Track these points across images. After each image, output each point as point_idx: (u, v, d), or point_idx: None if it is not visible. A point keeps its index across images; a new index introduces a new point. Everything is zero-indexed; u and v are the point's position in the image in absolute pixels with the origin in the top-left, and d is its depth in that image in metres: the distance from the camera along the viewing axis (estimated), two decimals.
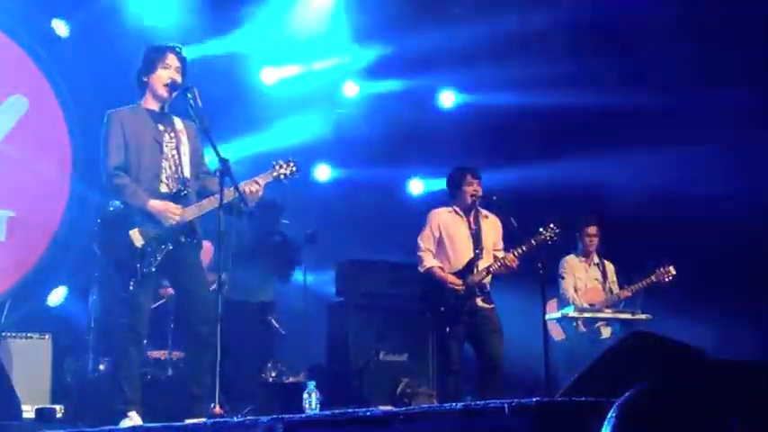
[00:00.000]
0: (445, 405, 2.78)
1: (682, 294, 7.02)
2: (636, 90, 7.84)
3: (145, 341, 5.09)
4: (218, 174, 4.60)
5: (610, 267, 7.40)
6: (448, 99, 9.25)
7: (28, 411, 5.65)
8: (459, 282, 5.91)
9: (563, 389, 2.92)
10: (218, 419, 4.11)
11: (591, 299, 7.19)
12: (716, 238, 7.23)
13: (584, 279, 7.33)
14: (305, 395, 5.07)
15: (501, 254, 6.04)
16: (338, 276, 7.62)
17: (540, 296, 5.63)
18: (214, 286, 4.94)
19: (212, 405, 4.37)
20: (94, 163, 4.98)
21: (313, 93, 8.80)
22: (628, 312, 6.99)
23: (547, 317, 6.01)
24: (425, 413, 2.84)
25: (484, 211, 6.22)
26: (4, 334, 6.28)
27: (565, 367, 6.66)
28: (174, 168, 4.77)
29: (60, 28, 8.03)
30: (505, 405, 2.46)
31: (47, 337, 6.47)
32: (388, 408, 4.12)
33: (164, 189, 4.71)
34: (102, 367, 6.54)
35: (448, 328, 5.86)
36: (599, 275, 7.35)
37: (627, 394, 1.80)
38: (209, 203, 4.69)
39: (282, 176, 4.86)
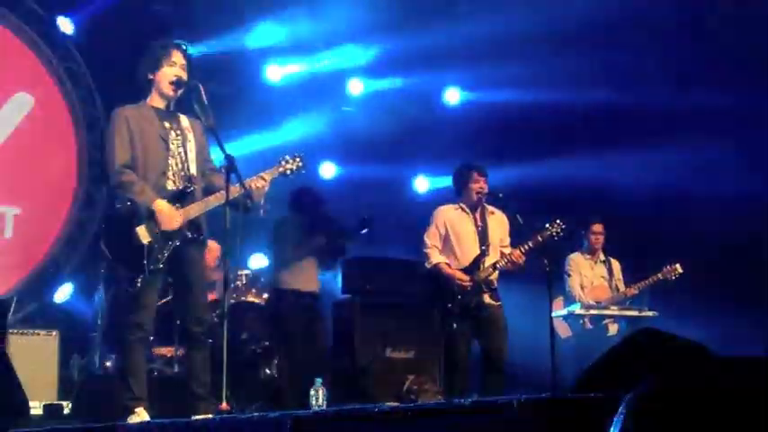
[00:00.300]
0: (453, 401, 2.78)
1: (687, 292, 7.01)
2: (640, 88, 7.83)
3: (151, 338, 5.10)
4: (223, 170, 4.60)
5: (616, 265, 7.40)
6: (453, 96, 9.24)
7: (35, 408, 5.66)
8: (467, 278, 5.90)
9: (571, 385, 2.92)
10: (225, 416, 4.11)
11: (597, 296, 7.19)
12: (722, 237, 7.21)
13: (590, 276, 7.33)
14: (311, 392, 5.07)
15: (508, 250, 6.04)
16: (344, 274, 7.62)
17: (546, 293, 5.62)
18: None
19: (218, 401, 4.38)
20: (100, 160, 4.99)
21: (318, 90, 8.80)
22: (634, 309, 6.99)
23: (553, 314, 6.01)
24: (433, 410, 2.84)
25: (490, 208, 6.21)
26: (11, 331, 6.29)
27: (571, 364, 6.66)
28: (180, 165, 4.76)
29: (65, 25, 8.05)
30: (514, 401, 2.46)
31: (54, 333, 6.50)
32: (395, 404, 4.11)
33: (170, 186, 4.71)
34: (108, 364, 6.57)
35: (455, 325, 5.85)
36: (605, 273, 7.35)
37: (636, 390, 1.80)
38: (216, 200, 4.69)
39: (289, 172, 4.86)
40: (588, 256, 7.40)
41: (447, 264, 6.02)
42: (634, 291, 7.08)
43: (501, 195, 6.17)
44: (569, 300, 7.24)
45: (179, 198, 4.69)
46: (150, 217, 4.60)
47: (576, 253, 7.41)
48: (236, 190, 4.60)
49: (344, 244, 7.15)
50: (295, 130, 8.36)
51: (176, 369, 6.41)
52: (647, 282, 7.02)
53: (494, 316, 5.92)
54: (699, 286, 7.13)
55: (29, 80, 8.09)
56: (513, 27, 8.07)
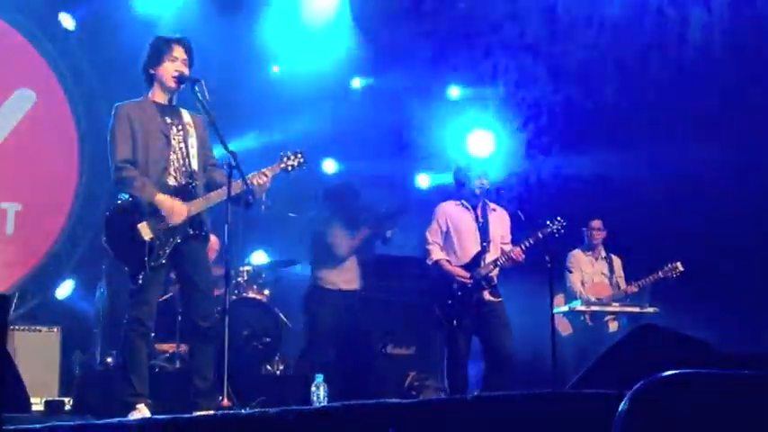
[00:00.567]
0: (455, 396, 2.78)
1: (688, 288, 7.00)
2: (641, 86, 7.82)
3: (153, 334, 5.10)
4: (225, 166, 4.60)
5: (617, 262, 7.40)
6: (455, 93, 9.23)
7: (37, 404, 5.66)
8: (467, 275, 5.91)
9: (572, 382, 2.92)
10: (226, 412, 4.11)
11: (598, 293, 7.19)
12: (723, 234, 7.21)
13: (591, 273, 7.34)
14: (313, 388, 5.08)
15: (508, 247, 6.04)
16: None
17: (547, 290, 5.62)
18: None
19: (219, 398, 4.38)
20: (102, 156, 4.98)
21: (320, 86, 8.79)
22: (635, 306, 6.99)
23: (554, 311, 6.01)
24: (435, 405, 2.84)
25: (491, 205, 6.21)
26: (13, 327, 6.29)
27: (572, 361, 6.67)
28: (181, 161, 4.76)
29: (67, 21, 8.04)
30: (517, 396, 2.46)
31: (55, 329, 6.50)
32: (397, 400, 4.11)
33: (172, 182, 4.71)
34: (110, 360, 6.57)
35: (455, 322, 5.86)
36: (606, 270, 7.35)
37: (637, 385, 1.80)
38: (218, 196, 4.69)
39: (290, 168, 4.86)
40: (589, 253, 7.40)
41: (448, 260, 6.03)
42: (634, 288, 7.07)
43: (502, 191, 6.17)
44: (570, 296, 7.24)
45: (181, 194, 4.69)
46: (152, 213, 4.61)
47: (577, 249, 7.41)
48: (238, 186, 4.61)
49: (386, 231, 7.20)
50: (297, 126, 8.34)
51: (178, 365, 6.42)
52: (647, 279, 7.02)
53: (494, 312, 5.92)
54: (699, 283, 7.13)
55: (31, 76, 8.09)
56: (514, 24, 8.06)
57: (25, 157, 7.87)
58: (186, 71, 4.78)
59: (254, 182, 4.70)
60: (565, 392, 2.51)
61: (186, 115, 4.87)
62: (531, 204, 6.33)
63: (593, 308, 7.03)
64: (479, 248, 6.01)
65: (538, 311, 6.17)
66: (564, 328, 7.06)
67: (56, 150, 8.11)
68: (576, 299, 7.15)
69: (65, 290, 7.65)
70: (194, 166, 4.77)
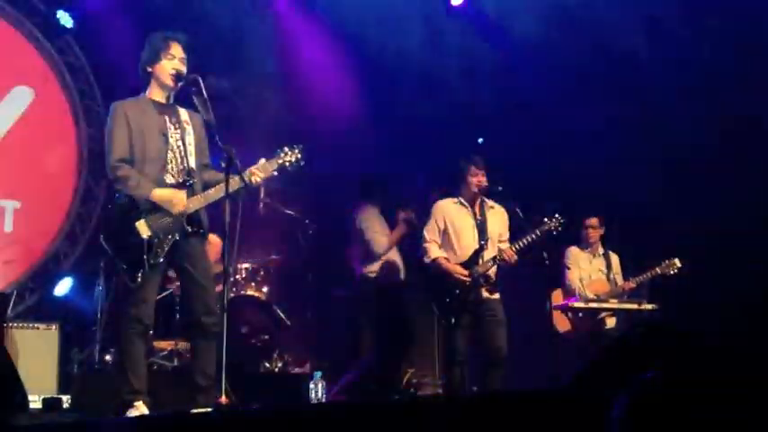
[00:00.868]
0: (452, 394, 2.78)
1: (686, 285, 7.00)
2: (642, 84, 7.82)
3: (151, 331, 5.10)
4: (222, 163, 4.59)
5: (614, 259, 7.40)
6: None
7: (34, 401, 5.65)
8: (465, 272, 5.91)
9: (570, 379, 2.92)
10: (224, 409, 4.11)
11: (595, 290, 7.19)
12: (721, 232, 7.20)
13: (588, 270, 7.34)
14: (311, 385, 5.08)
15: (505, 245, 6.04)
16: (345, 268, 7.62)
17: (545, 286, 5.63)
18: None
19: (217, 395, 4.38)
20: (100, 154, 4.98)
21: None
22: (633, 303, 6.99)
23: (552, 307, 6.02)
24: (432, 402, 2.84)
25: (489, 202, 6.21)
26: (11, 324, 6.29)
27: (570, 358, 6.66)
28: (179, 159, 4.76)
29: (65, 19, 8.03)
30: (514, 394, 2.46)
31: (53, 327, 6.49)
32: (396, 397, 4.12)
33: (169, 180, 4.70)
34: (108, 358, 6.58)
35: (453, 319, 5.86)
36: (603, 266, 7.35)
37: (636, 382, 1.80)
38: (216, 192, 4.69)
39: (287, 164, 4.82)
40: (587, 250, 7.40)
41: (446, 258, 6.03)
42: (632, 285, 7.07)
43: (500, 189, 6.17)
44: (568, 293, 7.24)
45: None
46: (150, 210, 4.60)
47: (575, 246, 7.41)
48: (235, 182, 4.60)
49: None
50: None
51: (176, 363, 6.42)
52: (645, 276, 7.02)
53: (492, 310, 5.92)
54: (698, 279, 7.12)
55: (29, 74, 8.07)
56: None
57: (23, 154, 7.87)
58: (184, 69, 4.77)
59: (253, 180, 4.70)
60: (562, 390, 2.51)
61: (184, 113, 4.86)
62: (528, 202, 6.30)
63: (591, 304, 7.03)
64: (477, 246, 6.01)
65: (535, 308, 6.17)
66: (562, 324, 7.06)
67: (54, 148, 8.10)
68: (573, 295, 7.15)
69: (63, 287, 7.64)
70: (192, 164, 4.77)
